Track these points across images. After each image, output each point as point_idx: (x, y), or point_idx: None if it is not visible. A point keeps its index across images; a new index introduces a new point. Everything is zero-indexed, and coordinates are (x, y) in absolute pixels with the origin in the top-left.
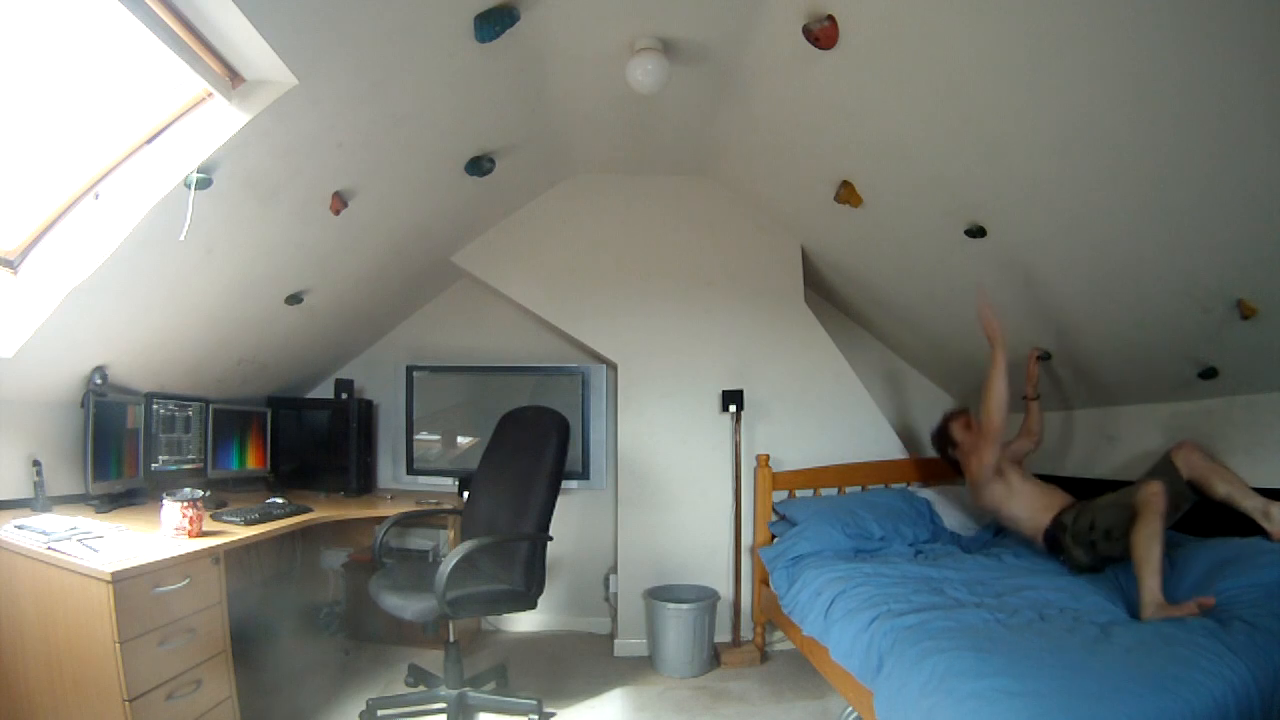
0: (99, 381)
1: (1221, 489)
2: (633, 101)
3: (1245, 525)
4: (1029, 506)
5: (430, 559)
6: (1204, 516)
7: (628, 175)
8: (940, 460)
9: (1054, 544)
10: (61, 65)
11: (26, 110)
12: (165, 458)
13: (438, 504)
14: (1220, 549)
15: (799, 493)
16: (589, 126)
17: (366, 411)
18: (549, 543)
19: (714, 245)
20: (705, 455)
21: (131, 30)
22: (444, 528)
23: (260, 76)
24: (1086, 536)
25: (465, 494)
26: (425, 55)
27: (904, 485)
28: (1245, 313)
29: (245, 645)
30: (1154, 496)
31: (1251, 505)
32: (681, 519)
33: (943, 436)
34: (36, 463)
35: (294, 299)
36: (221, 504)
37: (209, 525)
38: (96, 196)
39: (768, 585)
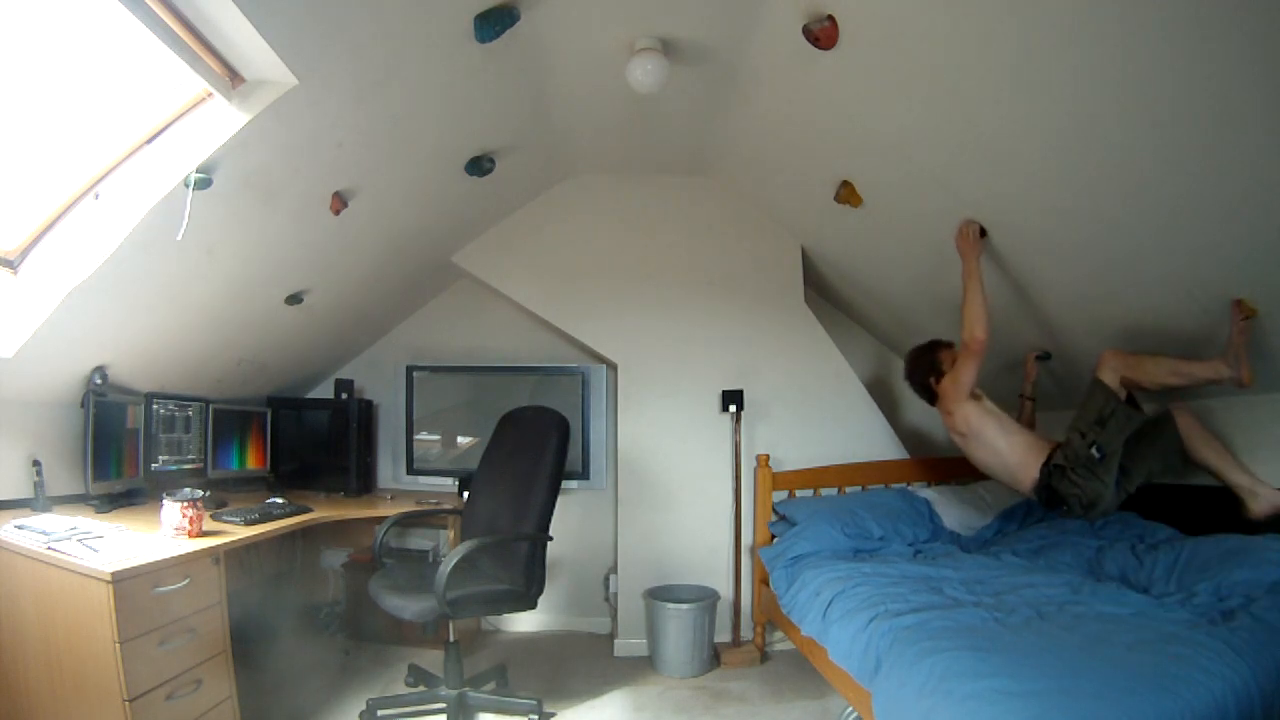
0: (99, 381)
1: (1212, 459)
2: (633, 101)
3: (1241, 524)
4: (1010, 435)
5: (430, 559)
6: (1200, 515)
7: (628, 175)
8: (935, 461)
9: (1052, 495)
10: (62, 65)
11: (27, 110)
12: (165, 458)
13: (438, 504)
14: (1224, 541)
15: (799, 493)
16: (589, 126)
17: (366, 411)
18: (549, 543)
19: (714, 245)
20: (705, 455)
21: (131, 30)
22: (444, 528)
23: (260, 76)
24: (1087, 450)
25: (465, 494)
26: (425, 55)
27: (904, 485)
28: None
29: (245, 645)
30: (1189, 420)
31: (1238, 480)
32: (681, 519)
33: (929, 359)
34: (36, 463)
35: (294, 299)
36: (221, 504)
37: (209, 525)
38: (96, 196)
39: (768, 585)
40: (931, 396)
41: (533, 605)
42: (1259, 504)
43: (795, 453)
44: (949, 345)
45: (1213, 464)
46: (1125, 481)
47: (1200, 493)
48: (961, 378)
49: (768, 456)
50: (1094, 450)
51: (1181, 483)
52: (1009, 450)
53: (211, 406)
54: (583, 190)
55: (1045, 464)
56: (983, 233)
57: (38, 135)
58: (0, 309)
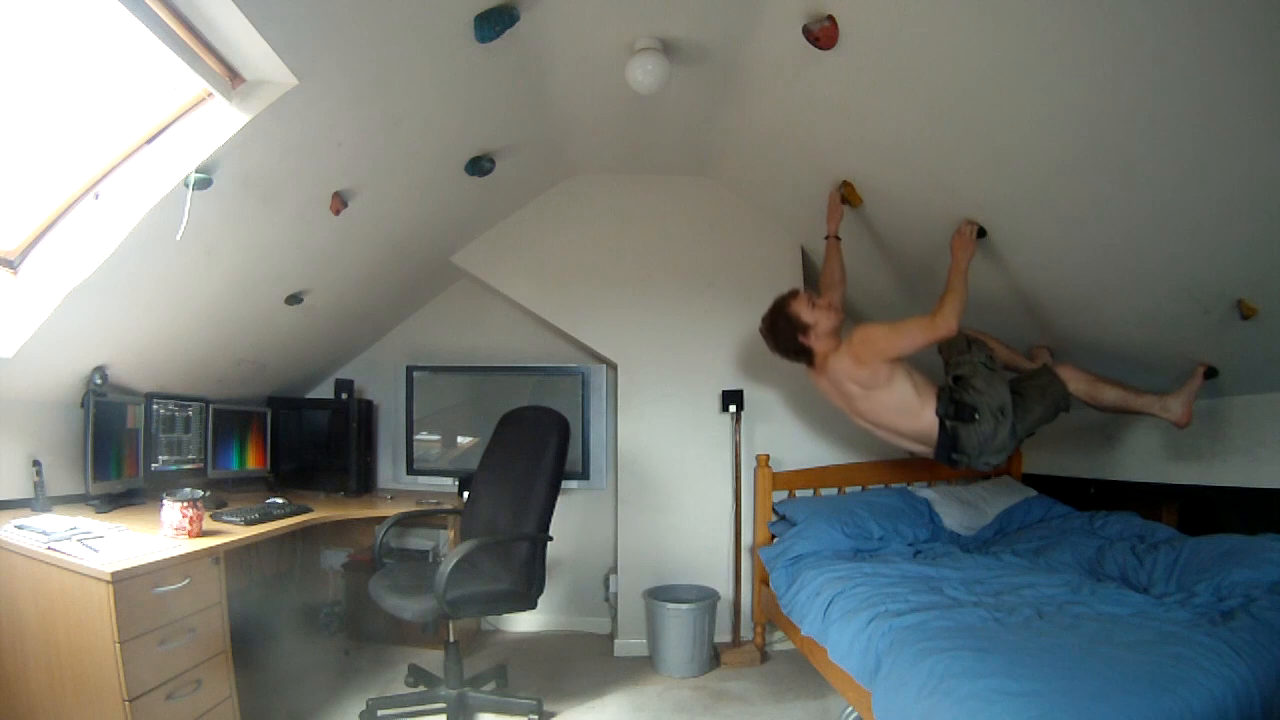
0: (99, 381)
1: (1115, 399)
2: (633, 101)
3: (1241, 524)
4: (914, 377)
5: (430, 559)
6: (1200, 515)
7: (628, 175)
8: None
9: (949, 457)
10: (62, 65)
11: (27, 110)
12: (165, 458)
13: (438, 504)
14: (1224, 541)
15: (799, 493)
16: (589, 126)
17: (366, 411)
18: (549, 543)
19: (714, 245)
20: (705, 455)
21: (131, 30)
22: (444, 528)
23: (260, 76)
24: (1007, 443)
25: (465, 494)
26: (425, 55)
27: (904, 485)
28: (1245, 313)
29: (245, 645)
30: (1075, 373)
31: (1146, 405)
32: (681, 519)
33: (790, 324)
34: (36, 463)
35: (294, 299)
36: (221, 504)
37: (209, 525)
38: (96, 196)
39: (768, 585)
40: (808, 357)
41: (533, 605)
42: (1175, 413)
43: (795, 453)
44: (794, 294)
45: (1118, 403)
46: (1019, 430)
47: (1202, 493)
48: (905, 345)
49: (768, 456)
50: (1011, 433)
51: (1181, 483)
52: (914, 393)
53: (211, 406)
54: (583, 190)
55: (942, 422)
56: (982, 233)
57: (38, 135)
58: (0, 309)
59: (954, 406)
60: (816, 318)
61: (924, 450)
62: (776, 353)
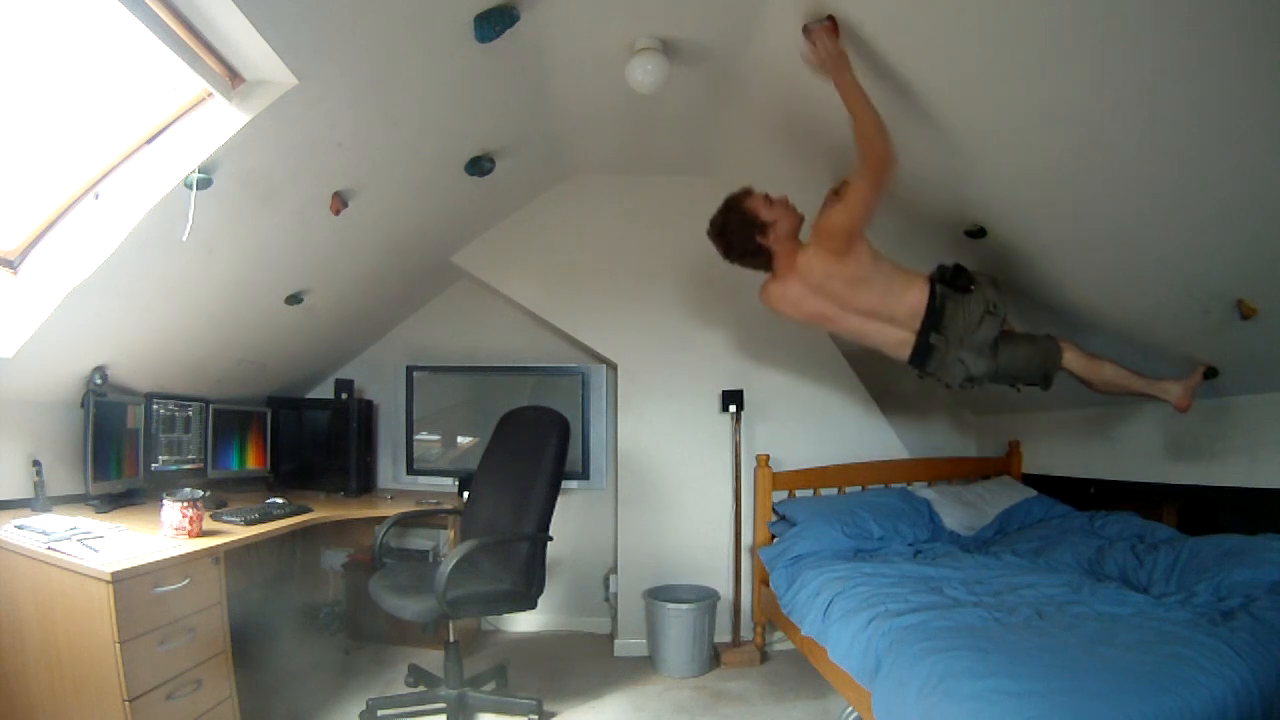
0: (99, 381)
1: (1116, 381)
2: (633, 101)
3: (1241, 524)
4: (899, 267)
5: (430, 559)
6: (1200, 515)
7: (628, 175)
8: (935, 461)
9: (927, 342)
10: (62, 65)
11: (27, 110)
12: (165, 458)
13: (438, 504)
14: (1224, 541)
15: (799, 493)
16: (589, 126)
17: (366, 411)
18: (549, 543)
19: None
20: (705, 455)
21: (131, 30)
22: (444, 528)
23: (260, 76)
24: (985, 351)
25: (465, 494)
26: (425, 55)
27: (904, 485)
28: (1245, 313)
29: (245, 645)
30: (1076, 355)
31: (1144, 384)
32: (681, 519)
33: (746, 223)
34: (36, 463)
35: (294, 299)
36: (221, 504)
37: (209, 525)
38: (96, 196)
39: (768, 585)
40: (765, 261)
41: (533, 605)
42: (1174, 394)
43: (795, 453)
44: (747, 193)
45: (1115, 380)
46: (1000, 353)
47: (1202, 493)
48: (869, 202)
49: (768, 456)
50: (993, 346)
51: (1181, 483)
52: (900, 275)
53: (211, 406)
54: (583, 190)
55: (924, 329)
56: (981, 233)
57: (38, 135)
58: (0, 309)
59: (951, 272)
60: (776, 215)
61: (902, 338)
62: (728, 258)
